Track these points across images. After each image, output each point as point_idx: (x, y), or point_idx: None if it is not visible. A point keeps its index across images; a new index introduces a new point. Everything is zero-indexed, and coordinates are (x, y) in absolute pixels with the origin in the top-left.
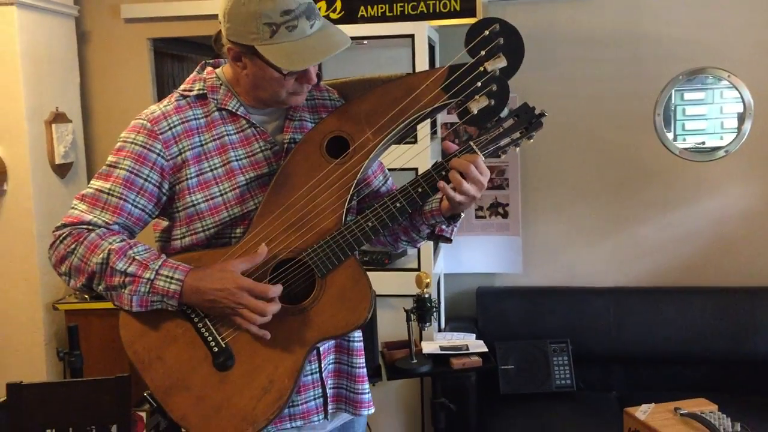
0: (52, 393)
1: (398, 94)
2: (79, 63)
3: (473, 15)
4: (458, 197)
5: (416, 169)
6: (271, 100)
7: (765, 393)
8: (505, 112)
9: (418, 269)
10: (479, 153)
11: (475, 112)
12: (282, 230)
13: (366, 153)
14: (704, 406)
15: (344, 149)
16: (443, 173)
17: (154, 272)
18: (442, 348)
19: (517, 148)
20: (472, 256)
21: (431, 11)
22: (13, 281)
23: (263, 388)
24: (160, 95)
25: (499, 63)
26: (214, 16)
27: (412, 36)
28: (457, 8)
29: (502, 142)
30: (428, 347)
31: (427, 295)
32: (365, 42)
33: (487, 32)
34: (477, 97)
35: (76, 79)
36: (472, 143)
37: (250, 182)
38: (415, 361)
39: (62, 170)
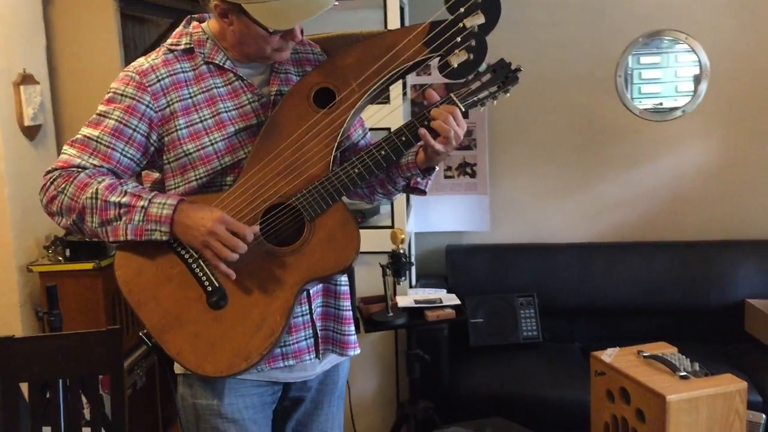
0: (44, 346)
1: (382, 49)
2: (45, 25)
3: None
4: (437, 145)
5: (389, 129)
6: (256, 56)
7: (719, 341)
8: (483, 67)
9: (392, 227)
10: (459, 105)
11: (455, 66)
12: (271, 176)
13: (352, 103)
14: (665, 349)
15: (330, 100)
16: (425, 123)
17: (147, 200)
18: (416, 302)
19: (495, 101)
20: (441, 214)
21: None
22: None
23: (256, 325)
24: (126, 58)
25: (478, 19)
26: None
27: None
28: None
29: (481, 95)
30: (403, 301)
31: (402, 251)
32: (336, 2)
33: None
34: (457, 51)
35: (42, 41)
36: (453, 95)
37: (240, 132)
38: (391, 314)
39: (31, 132)
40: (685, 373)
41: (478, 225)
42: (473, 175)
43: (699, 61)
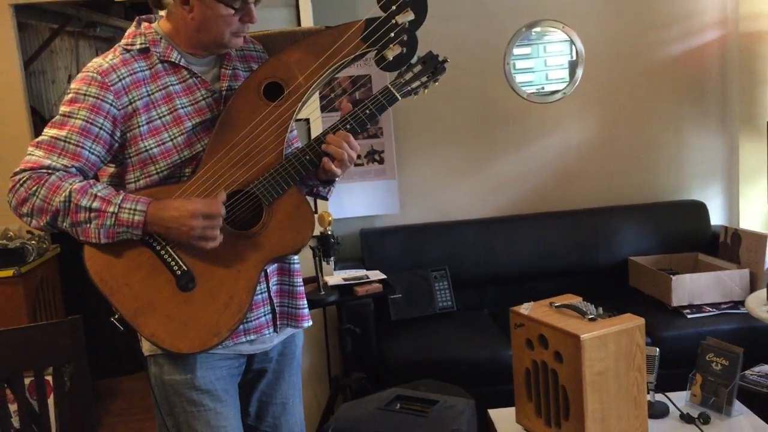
0: (7, 339)
1: (324, 44)
2: None
3: None
4: (334, 168)
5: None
6: (212, 44)
7: (609, 295)
8: (414, 59)
9: (316, 212)
10: (397, 95)
11: (391, 59)
12: (229, 167)
13: (299, 96)
14: (572, 299)
15: (279, 93)
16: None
17: (117, 206)
18: (344, 279)
19: (426, 90)
20: (353, 201)
21: None
22: None
23: (224, 304)
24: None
25: (408, 16)
26: None
27: None
28: None
29: (414, 85)
30: (332, 280)
31: (330, 232)
32: None
33: None
34: (391, 45)
35: None
36: (390, 86)
37: (196, 127)
38: (323, 293)
39: None
40: (593, 316)
41: (389, 208)
42: (381, 161)
43: (575, 47)
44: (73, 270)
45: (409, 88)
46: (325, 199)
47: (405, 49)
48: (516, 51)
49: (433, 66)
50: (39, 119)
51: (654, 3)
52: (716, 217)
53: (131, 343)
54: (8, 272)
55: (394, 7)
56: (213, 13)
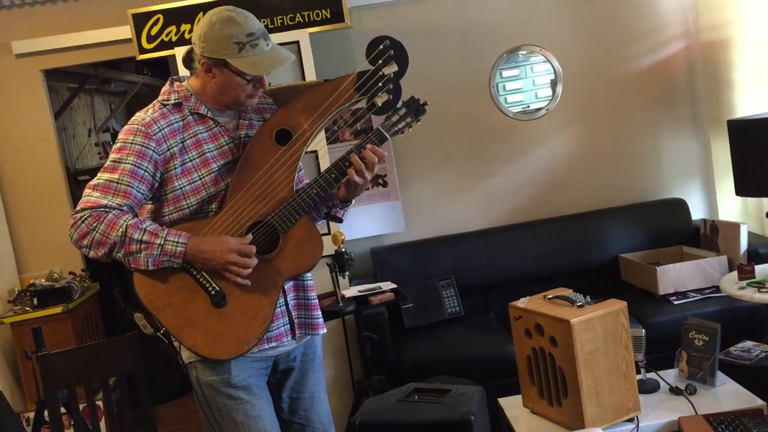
0: (77, 355)
1: (323, 95)
2: None
3: (342, 20)
4: (355, 177)
5: (316, 152)
6: (231, 103)
7: (603, 292)
8: (399, 104)
9: (329, 233)
10: (387, 135)
11: (380, 105)
12: (249, 202)
13: (305, 139)
14: (564, 291)
15: (288, 138)
16: (360, 151)
17: (163, 239)
18: (360, 291)
19: (410, 129)
20: (362, 222)
21: (306, 20)
22: None
23: (252, 317)
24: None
25: (393, 68)
26: (101, 44)
27: (297, 42)
28: (328, 16)
29: (400, 126)
30: (349, 293)
31: (343, 250)
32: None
33: (381, 46)
34: (380, 93)
35: None
36: (380, 128)
37: (221, 168)
38: (341, 304)
39: None
40: (581, 303)
41: (395, 227)
42: (385, 185)
43: (553, 67)
44: (112, 306)
45: (396, 129)
46: (340, 221)
47: (391, 96)
48: (505, 73)
49: (415, 109)
50: (65, 171)
51: (622, 21)
52: (697, 212)
53: (172, 356)
54: (58, 309)
55: (380, 61)
56: (231, 81)
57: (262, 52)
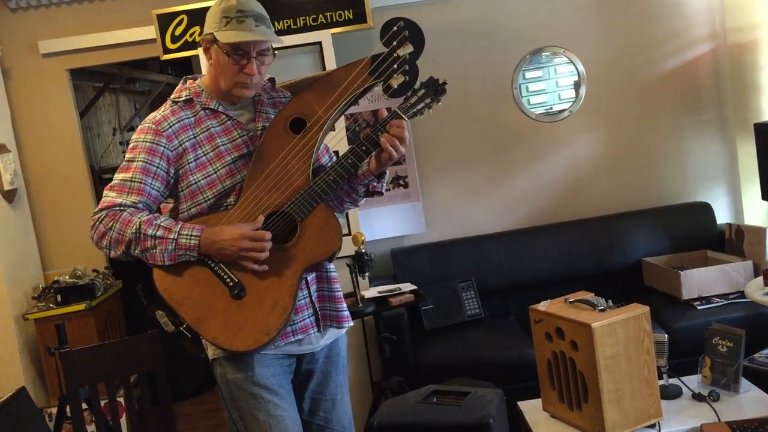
0: (99, 352)
1: (337, 81)
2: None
3: (364, 21)
4: (391, 150)
5: (337, 152)
6: (226, 91)
7: (626, 296)
8: (417, 85)
9: (349, 233)
10: (404, 117)
11: (396, 87)
12: (266, 192)
13: (320, 126)
14: (584, 295)
15: (303, 126)
16: (382, 132)
17: (176, 233)
18: (379, 292)
19: (430, 110)
20: (382, 223)
21: (329, 21)
22: None
23: (271, 307)
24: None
25: (408, 49)
26: (126, 44)
27: (320, 42)
28: (351, 17)
29: (419, 107)
30: (369, 294)
31: (363, 250)
32: (276, 53)
33: (395, 28)
34: (395, 75)
35: (7, 114)
36: (397, 110)
37: (236, 160)
38: (361, 305)
39: (10, 196)
40: (602, 308)
41: (416, 228)
42: (406, 186)
43: (577, 69)
44: (135, 304)
45: (414, 110)
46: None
47: (408, 77)
48: (528, 74)
49: (435, 89)
50: (90, 170)
51: (647, 22)
52: (722, 216)
53: (194, 353)
54: (81, 306)
55: (395, 43)
56: (219, 60)
57: (246, 29)
